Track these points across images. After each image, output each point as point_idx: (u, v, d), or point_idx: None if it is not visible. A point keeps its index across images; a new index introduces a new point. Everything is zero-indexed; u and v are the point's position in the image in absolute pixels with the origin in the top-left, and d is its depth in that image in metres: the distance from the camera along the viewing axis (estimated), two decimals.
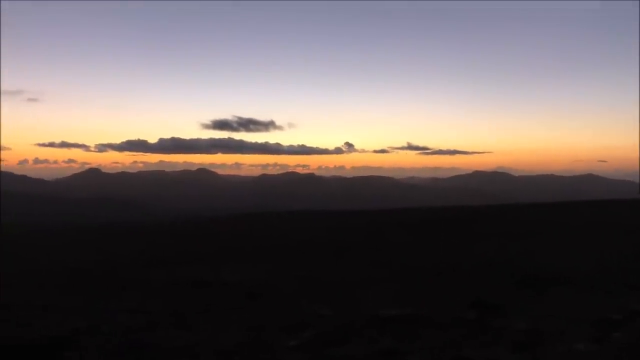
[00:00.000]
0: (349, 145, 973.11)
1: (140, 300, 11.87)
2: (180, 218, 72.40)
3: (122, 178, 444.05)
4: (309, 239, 27.07)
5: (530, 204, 50.64)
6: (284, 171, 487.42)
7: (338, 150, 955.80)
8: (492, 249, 20.34)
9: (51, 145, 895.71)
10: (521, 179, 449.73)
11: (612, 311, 9.06)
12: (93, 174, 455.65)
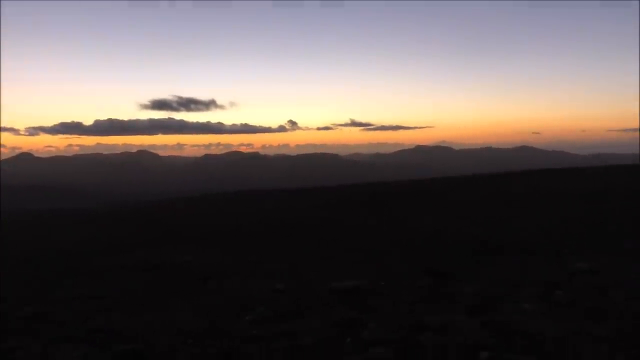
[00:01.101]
0: (293, 123, 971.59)
1: (91, 286, 11.47)
2: (122, 203, 70.30)
3: (57, 163, 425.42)
4: (256, 220, 26.91)
5: (472, 176, 52.26)
6: (228, 151, 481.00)
7: (282, 129, 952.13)
8: (440, 221, 20.90)
9: None
10: (462, 153, 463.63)
11: (554, 273, 9.53)
12: (25, 159, 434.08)
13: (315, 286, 9.35)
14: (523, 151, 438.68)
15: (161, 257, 15.48)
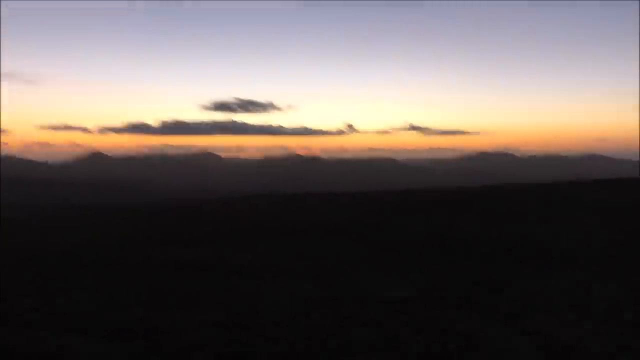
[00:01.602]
0: (350, 127, 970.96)
1: (130, 281, 11.92)
2: (184, 201, 72.50)
3: (126, 161, 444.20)
4: (312, 221, 27.08)
5: (533, 184, 50.50)
6: (287, 153, 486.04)
7: (339, 132, 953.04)
8: (495, 228, 20.33)
9: (53, 128, 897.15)
10: (525, 160, 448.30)
11: (621, 290, 9.00)
12: (96, 157, 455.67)
13: (361, 294, 9.31)
14: (590, 159, 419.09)
15: (212, 254, 15.81)
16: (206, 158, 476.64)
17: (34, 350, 6.46)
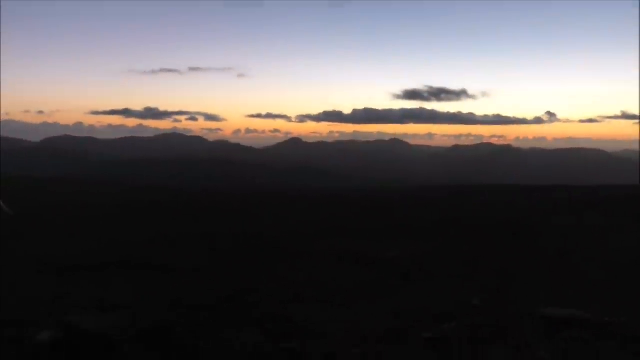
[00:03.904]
0: (551, 115, 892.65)
1: (293, 271, 12.12)
2: (370, 189, 73.86)
3: (320, 147, 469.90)
4: (491, 216, 25.20)
5: None
6: (478, 142, 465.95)
7: (538, 120, 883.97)
8: None
9: (258, 116, 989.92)
10: None
11: None
12: (294, 143, 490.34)
13: (519, 308, 8.11)
14: None
15: (375, 248, 15.51)
16: (395, 145, 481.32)
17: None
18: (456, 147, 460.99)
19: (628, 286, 10.94)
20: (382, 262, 13.18)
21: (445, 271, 11.78)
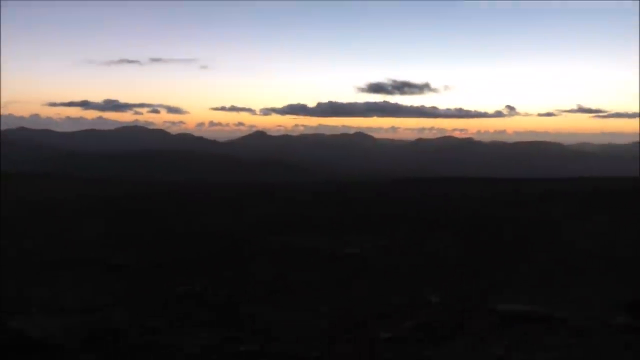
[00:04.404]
0: (511, 109, 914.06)
1: (248, 268, 11.99)
2: (335, 183, 73.97)
3: (285, 141, 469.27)
4: (454, 209, 25.53)
5: None
6: (441, 135, 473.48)
7: (498, 114, 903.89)
8: None
9: (222, 109, 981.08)
10: None
11: None
12: (259, 137, 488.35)
13: (476, 304, 8.19)
14: None
15: (331, 243, 15.38)
16: (360, 139, 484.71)
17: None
18: (419, 141, 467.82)
19: (584, 279, 11.21)
20: (341, 258, 13.12)
21: (405, 267, 11.81)
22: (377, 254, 13.61)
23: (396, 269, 11.54)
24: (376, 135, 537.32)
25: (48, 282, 10.31)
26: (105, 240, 15.99)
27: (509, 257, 13.97)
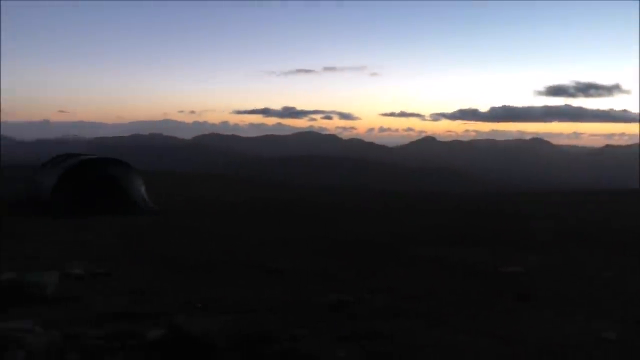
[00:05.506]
0: None
1: (398, 280, 11.68)
2: (507, 193, 69.78)
3: (455, 147, 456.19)
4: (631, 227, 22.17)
5: None
6: (634, 142, 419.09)
7: None
8: None
9: (392, 115, 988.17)
10: None
11: None
12: (428, 142, 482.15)
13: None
14: None
15: (490, 259, 14.35)
16: (537, 145, 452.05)
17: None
18: (607, 147, 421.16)
19: None
20: (499, 277, 12.20)
21: (574, 293, 10.53)
22: (544, 275, 12.40)
23: (563, 295, 10.36)
24: (555, 142, 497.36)
25: (210, 283, 11.20)
26: (268, 245, 16.95)
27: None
